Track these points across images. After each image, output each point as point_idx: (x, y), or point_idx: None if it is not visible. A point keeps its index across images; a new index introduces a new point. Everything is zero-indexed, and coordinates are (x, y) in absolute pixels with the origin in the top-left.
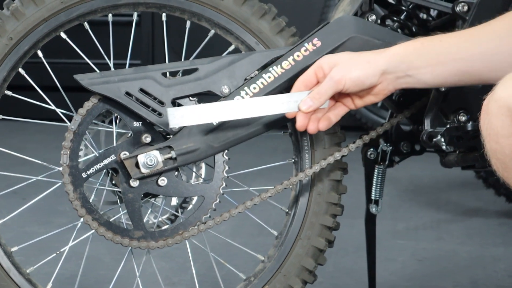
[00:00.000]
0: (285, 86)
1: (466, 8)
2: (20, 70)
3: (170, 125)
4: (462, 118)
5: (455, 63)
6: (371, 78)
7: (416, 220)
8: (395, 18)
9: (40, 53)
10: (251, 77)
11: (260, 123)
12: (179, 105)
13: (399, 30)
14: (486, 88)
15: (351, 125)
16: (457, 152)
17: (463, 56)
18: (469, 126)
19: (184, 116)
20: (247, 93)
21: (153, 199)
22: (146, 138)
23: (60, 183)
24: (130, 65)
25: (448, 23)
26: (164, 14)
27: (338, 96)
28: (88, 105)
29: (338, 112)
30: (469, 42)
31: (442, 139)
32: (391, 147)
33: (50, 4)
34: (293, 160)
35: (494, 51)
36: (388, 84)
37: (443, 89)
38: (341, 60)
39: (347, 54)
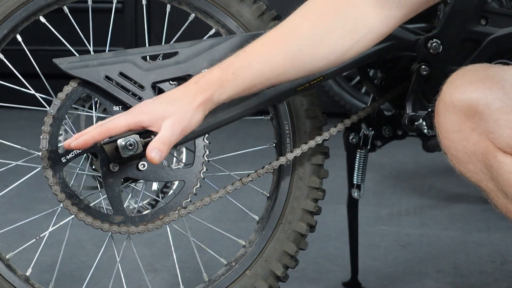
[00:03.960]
0: None
1: None
2: (0, 55)
3: None
4: None
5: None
6: None
7: (399, 206)
8: None
9: (19, 38)
10: None
11: (241, 107)
12: (159, 89)
13: None
14: None
15: (334, 111)
16: None
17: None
18: None
19: None
20: None
21: (133, 184)
22: None
23: (39, 168)
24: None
25: (430, 6)
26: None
27: None
28: (67, 89)
29: None
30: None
31: (424, 123)
32: (373, 132)
33: None
34: (274, 144)
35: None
36: None
37: (425, 72)
38: None
39: None
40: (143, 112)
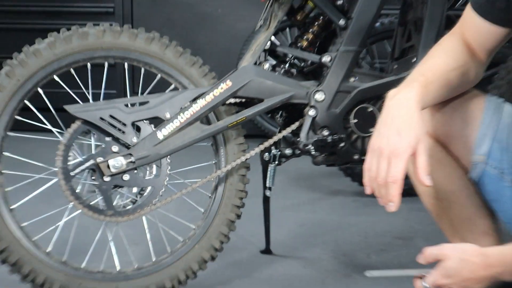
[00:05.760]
0: (207, 113)
1: (329, 58)
2: (26, 101)
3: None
4: (325, 133)
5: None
6: None
7: (299, 198)
8: (282, 66)
9: (40, 90)
10: (185, 107)
11: (191, 137)
12: (137, 126)
13: (284, 74)
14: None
15: (254, 133)
16: (322, 155)
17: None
18: (329, 138)
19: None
20: (182, 117)
21: (120, 188)
22: (114, 148)
23: (56, 179)
24: (106, 94)
25: (317, 68)
26: (126, 64)
27: None
28: (74, 126)
29: None
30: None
31: (312, 147)
32: (279, 152)
33: (46, 56)
34: (214, 162)
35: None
36: None
37: (313, 113)
38: None
39: None
40: None
